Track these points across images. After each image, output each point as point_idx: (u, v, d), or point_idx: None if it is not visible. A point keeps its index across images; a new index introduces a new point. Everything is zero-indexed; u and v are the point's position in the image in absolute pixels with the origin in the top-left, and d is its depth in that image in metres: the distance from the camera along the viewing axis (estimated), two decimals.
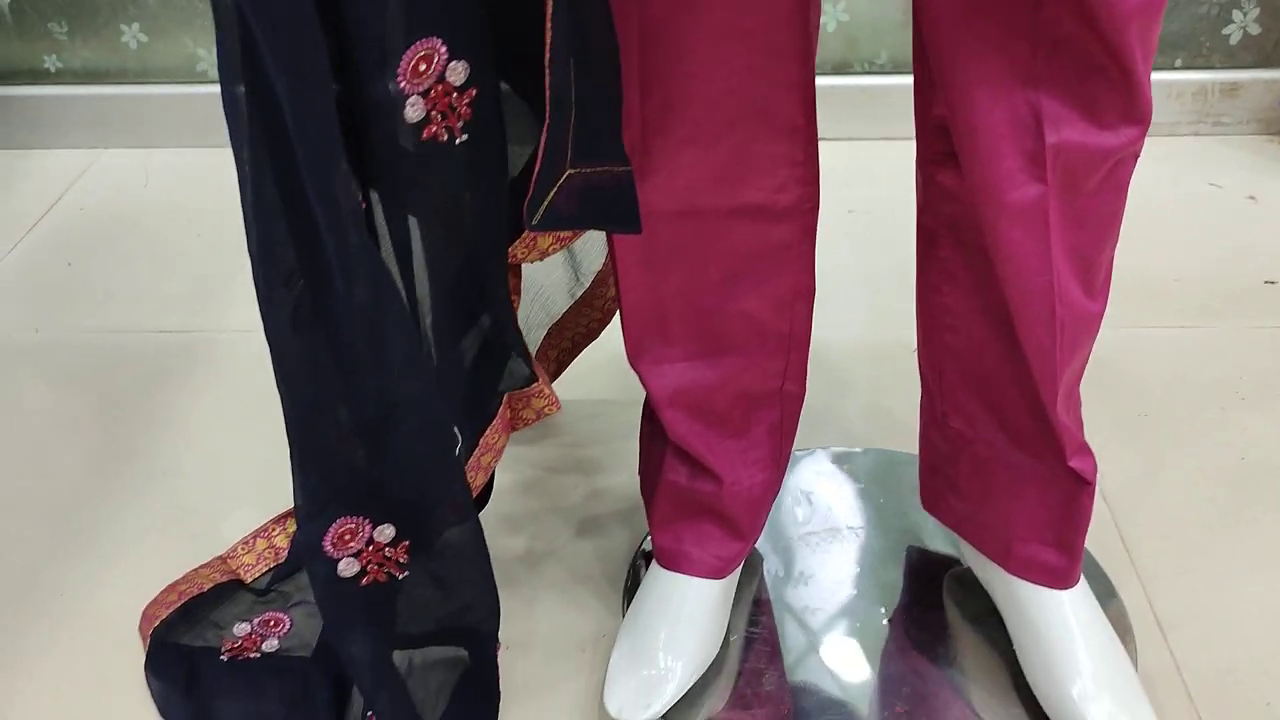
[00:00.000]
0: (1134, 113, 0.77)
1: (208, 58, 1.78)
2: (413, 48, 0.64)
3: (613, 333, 1.20)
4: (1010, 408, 0.89)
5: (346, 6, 0.61)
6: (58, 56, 1.78)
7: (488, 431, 0.86)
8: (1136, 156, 0.81)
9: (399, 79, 0.65)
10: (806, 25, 0.80)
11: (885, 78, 1.79)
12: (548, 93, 0.65)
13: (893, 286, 1.46)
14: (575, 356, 1.21)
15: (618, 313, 1.19)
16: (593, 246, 1.14)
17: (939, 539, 1.09)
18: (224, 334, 1.41)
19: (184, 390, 1.32)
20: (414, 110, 0.66)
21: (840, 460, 1.20)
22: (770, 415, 0.94)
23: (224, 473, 1.20)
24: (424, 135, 0.68)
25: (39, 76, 1.80)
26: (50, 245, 1.60)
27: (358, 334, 0.69)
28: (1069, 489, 0.89)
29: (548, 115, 0.66)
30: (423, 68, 0.65)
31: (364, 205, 0.67)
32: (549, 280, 1.14)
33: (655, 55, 0.77)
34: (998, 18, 0.73)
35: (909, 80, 1.97)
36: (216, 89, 1.86)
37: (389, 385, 0.72)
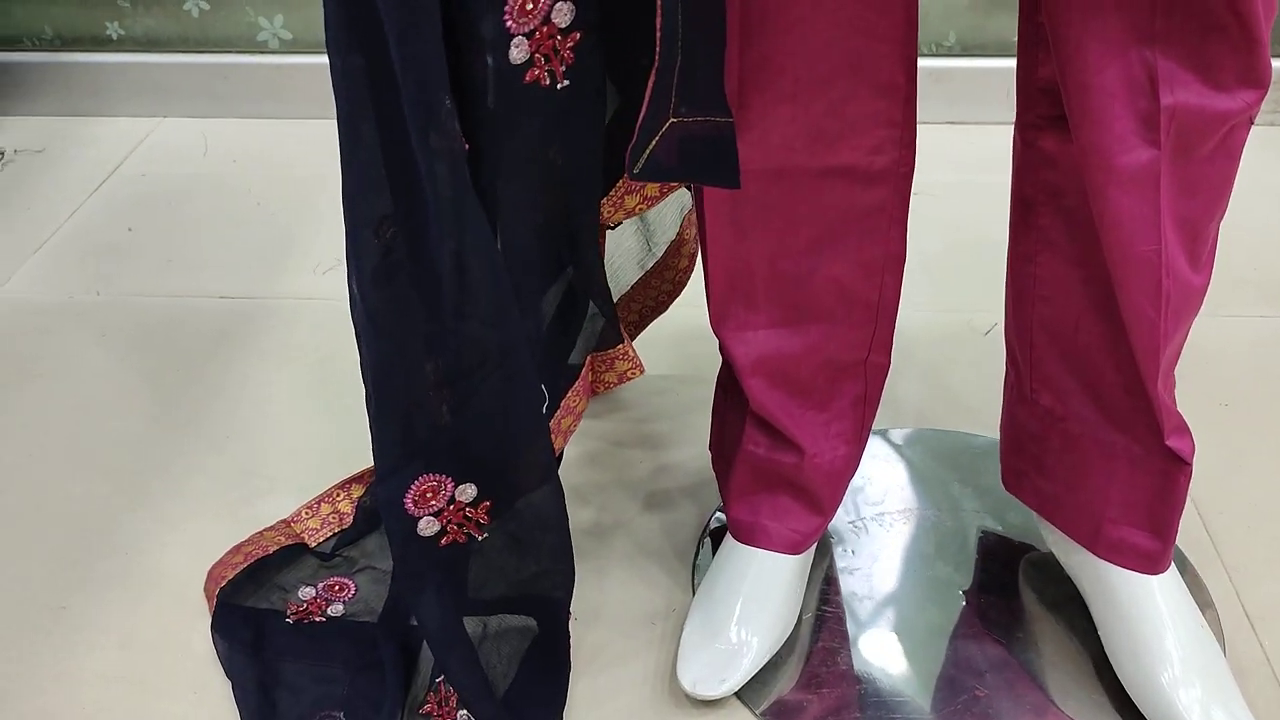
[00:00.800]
0: (1253, 75, 0.74)
1: (269, 27, 1.77)
2: None
3: (678, 308, 1.18)
4: (1106, 383, 0.86)
5: None
6: (119, 24, 1.78)
7: (569, 394, 0.84)
8: (1251, 122, 0.78)
9: (506, 15, 0.63)
10: None
11: (954, 60, 1.76)
12: (658, 32, 0.63)
13: (956, 269, 1.43)
14: (642, 330, 1.19)
15: (685, 285, 1.19)
16: (665, 217, 1.12)
17: (1013, 523, 1.06)
18: (285, 300, 1.40)
19: (246, 355, 1.31)
20: (519, 51, 0.64)
21: (911, 441, 1.17)
22: (855, 387, 0.92)
23: (286, 437, 1.19)
24: (527, 78, 0.66)
25: (101, 44, 1.79)
26: (111, 210, 1.60)
27: (450, 282, 0.68)
28: (1165, 469, 0.86)
29: (656, 57, 0.64)
30: (529, 6, 0.63)
31: (466, 147, 0.65)
32: (619, 250, 1.12)
33: (757, 9, 0.74)
34: None
35: (977, 63, 1.93)
36: (275, 58, 1.86)
37: (480, 336, 0.71)
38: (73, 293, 1.42)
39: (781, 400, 0.90)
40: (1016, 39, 0.83)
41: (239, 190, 1.64)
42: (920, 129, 0.83)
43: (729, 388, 0.95)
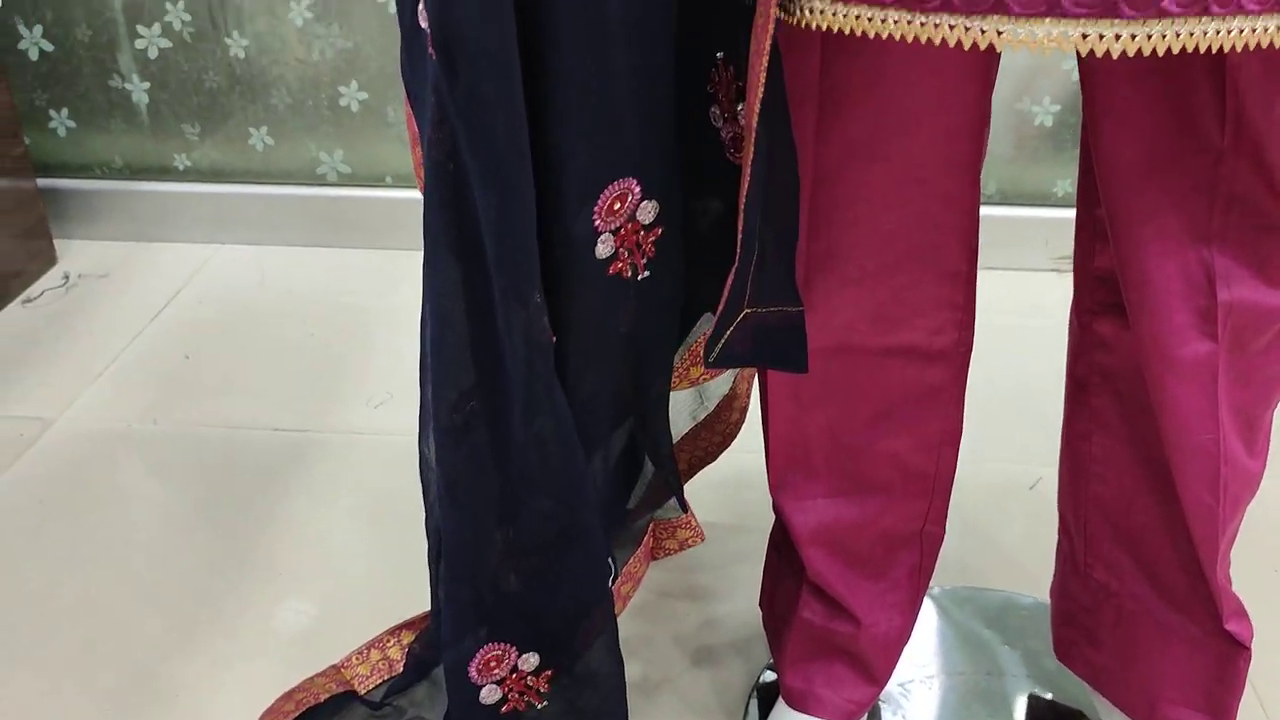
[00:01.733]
0: None
1: (329, 161, 1.83)
2: (611, 186, 0.66)
3: (727, 455, 1.19)
4: (1163, 563, 0.86)
5: (559, 142, 0.63)
6: (187, 155, 1.85)
7: (631, 560, 0.85)
8: None
9: (595, 216, 0.66)
10: (977, 172, 0.80)
11: (994, 208, 1.80)
12: (740, 236, 0.66)
13: (998, 419, 1.44)
14: (691, 477, 1.21)
15: (736, 436, 1.20)
16: (719, 373, 1.14)
17: (1064, 690, 1.06)
18: (338, 434, 1.43)
19: (299, 492, 1.33)
20: (604, 247, 0.68)
21: (958, 600, 1.17)
22: (911, 557, 0.93)
23: (338, 578, 1.20)
24: (610, 270, 0.69)
25: (168, 174, 1.86)
26: (170, 337, 1.64)
27: (531, 460, 0.70)
28: (1224, 652, 0.86)
29: (736, 259, 0.67)
30: (617, 206, 0.67)
31: (554, 339, 0.68)
32: (673, 401, 1.14)
33: (825, 198, 0.78)
34: (1178, 173, 0.73)
35: (1018, 211, 1.97)
36: (333, 190, 1.92)
37: (553, 511, 0.72)
38: (130, 421, 1.45)
39: (839, 570, 0.91)
40: (1075, 224, 0.86)
41: (294, 319, 1.68)
42: None
43: (783, 548, 0.96)
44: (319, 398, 1.50)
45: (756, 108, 0.63)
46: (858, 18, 0.60)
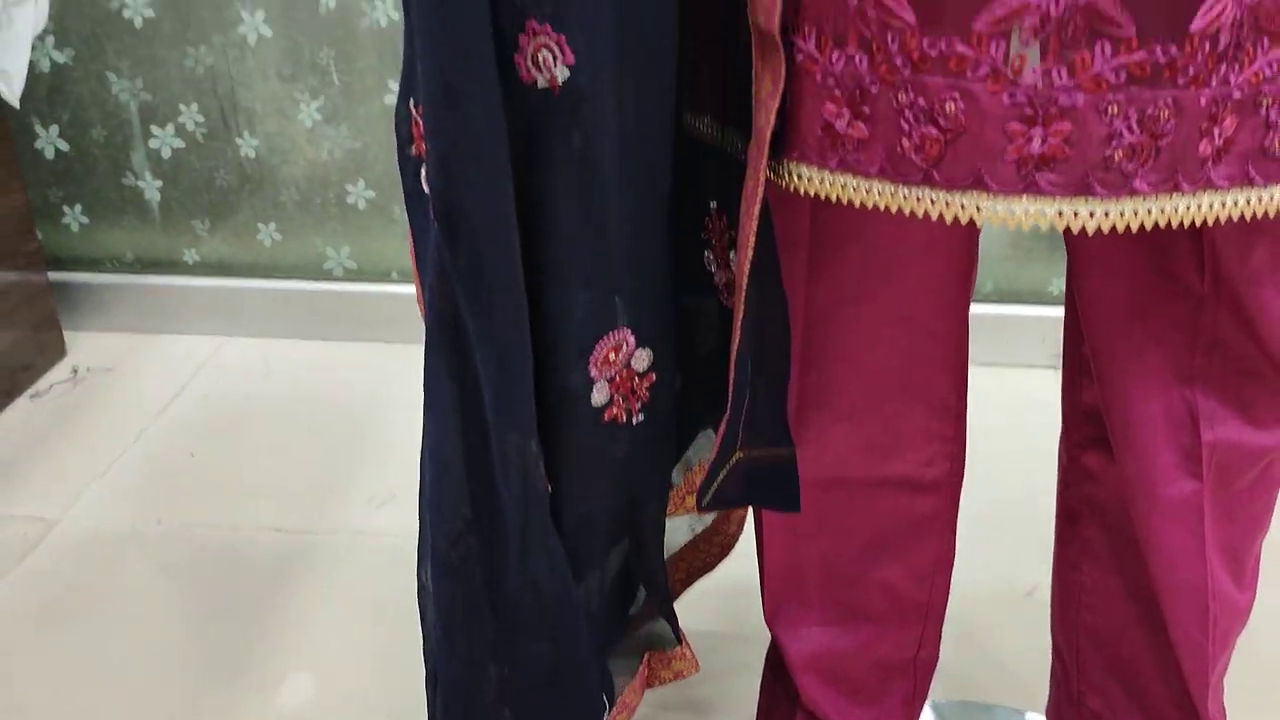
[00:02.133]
0: None
1: (335, 256, 1.86)
2: (606, 338, 0.68)
3: (725, 563, 1.20)
4: (1154, 695, 0.87)
5: (557, 299, 0.65)
6: (196, 250, 1.88)
7: (626, 691, 0.86)
8: None
9: (590, 367, 0.68)
10: (964, 310, 0.83)
11: (990, 306, 1.82)
12: (730, 389, 0.67)
13: (993, 523, 1.44)
14: (687, 588, 1.21)
15: (733, 547, 1.21)
16: None
17: None
18: (339, 535, 1.44)
19: (300, 596, 1.34)
20: (599, 395, 0.69)
21: (954, 715, 1.17)
22: (905, 685, 0.93)
23: (337, 687, 1.21)
24: (605, 417, 0.71)
25: (177, 267, 1.89)
26: (175, 434, 1.65)
27: (525, 603, 0.71)
28: None
29: (728, 407, 0.68)
30: (612, 356, 0.69)
31: (549, 488, 0.70)
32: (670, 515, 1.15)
33: (817, 338, 0.80)
34: (1160, 317, 0.75)
35: (1013, 309, 1.98)
36: (339, 285, 1.93)
37: (545, 653, 0.73)
38: (134, 522, 1.47)
39: (833, 698, 0.91)
40: (1062, 359, 0.88)
41: (298, 414, 1.70)
42: None
43: (778, 669, 0.97)
44: (322, 496, 1.52)
45: (746, 268, 0.65)
46: (843, 186, 0.63)
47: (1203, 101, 0.57)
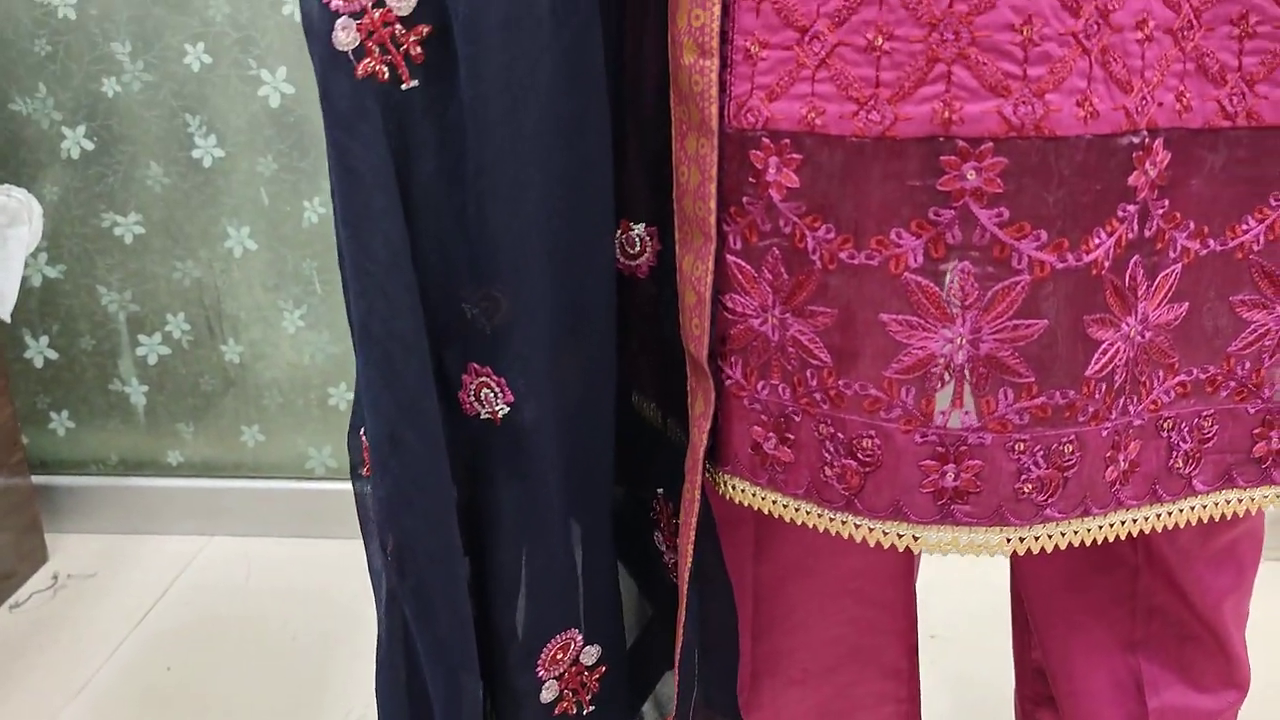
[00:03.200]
0: (1233, 678, 0.80)
1: (317, 456, 1.89)
2: (554, 640, 0.70)
3: None
4: None
5: (503, 612, 0.67)
6: (180, 452, 1.91)
7: None
8: (1236, 715, 0.83)
9: (539, 668, 0.70)
10: (911, 580, 0.85)
11: None
12: (676, 678, 0.69)
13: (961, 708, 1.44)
14: None
15: None
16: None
17: None
18: None
19: None
20: (548, 692, 0.71)
21: None
22: None
23: None
24: (555, 712, 0.72)
25: (161, 469, 1.92)
26: (153, 646, 1.65)
27: None
28: None
29: (676, 697, 0.70)
30: (559, 655, 0.71)
31: None
32: None
33: (766, 610, 0.82)
34: (1098, 588, 0.78)
35: None
36: (321, 484, 1.95)
37: None
38: None
39: None
40: (1010, 619, 0.90)
41: (277, 620, 1.70)
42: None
43: None
44: (298, 713, 1.51)
45: (686, 575, 0.67)
46: (774, 502, 0.66)
47: (1104, 434, 0.60)
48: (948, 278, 0.59)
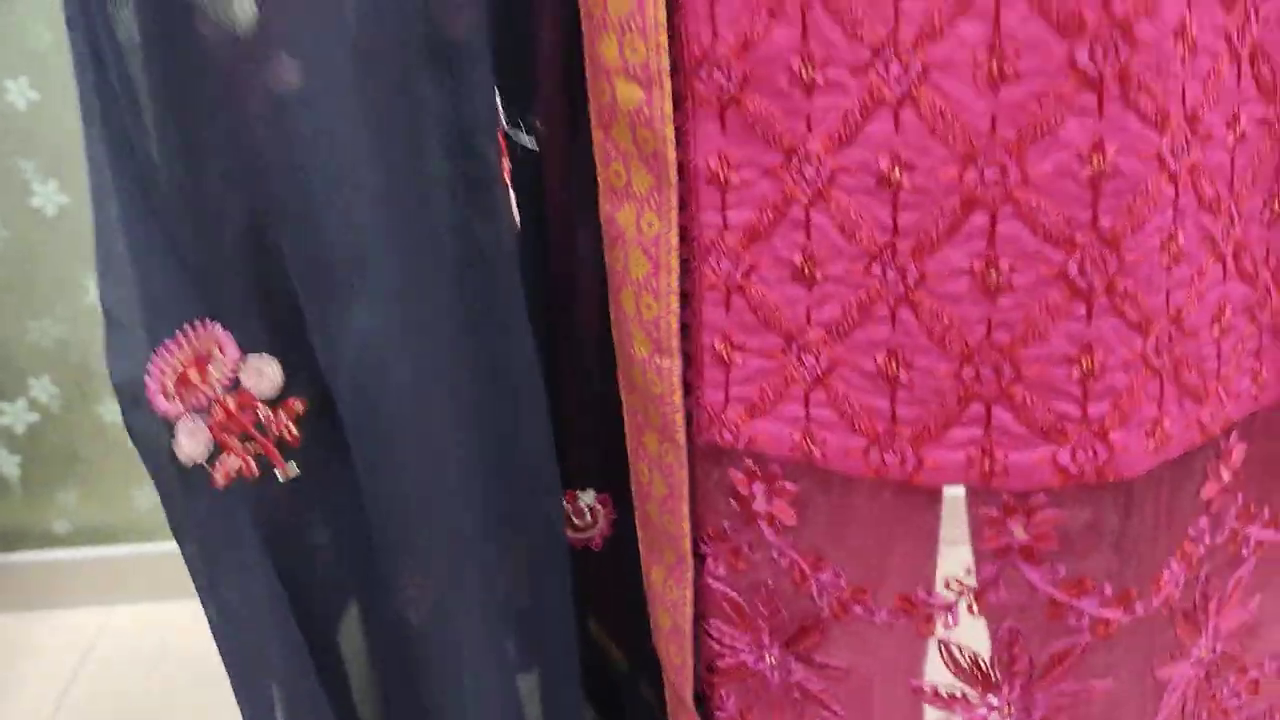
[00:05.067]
0: None
1: None
2: None
3: None
4: None
5: None
6: (67, 520, 1.74)
7: None
8: None
9: None
10: None
11: None
12: None
13: None
14: None
15: None
16: None
17: None
18: None
19: None
20: None
21: None
22: None
23: None
24: None
25: (48, 540, 1.75)
26: None
27: None
28: None
29: None
30: None
31: None
32: None
33: None
34: None
35: None
36: None
37: None
38: None
39: None
40: None
41: (191, 692, 1.58)
42: None
43: None
44: None
45: None
46: None
47: None
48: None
